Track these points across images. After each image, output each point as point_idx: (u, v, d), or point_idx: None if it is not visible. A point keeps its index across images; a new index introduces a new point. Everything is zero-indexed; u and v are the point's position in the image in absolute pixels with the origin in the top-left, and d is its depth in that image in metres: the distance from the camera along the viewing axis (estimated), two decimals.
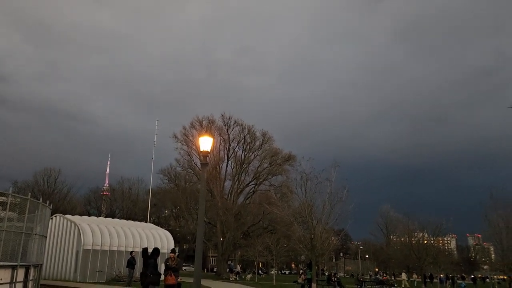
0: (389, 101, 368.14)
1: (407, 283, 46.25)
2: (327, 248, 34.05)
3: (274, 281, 39.53)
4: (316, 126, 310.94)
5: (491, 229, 42.59)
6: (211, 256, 79.27)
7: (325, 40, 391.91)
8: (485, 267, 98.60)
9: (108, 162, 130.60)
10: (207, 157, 12.07)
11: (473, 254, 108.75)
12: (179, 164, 54.16)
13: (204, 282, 26.90)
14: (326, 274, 50.25)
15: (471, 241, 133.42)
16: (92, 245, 25.54)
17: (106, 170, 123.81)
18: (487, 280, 65.43)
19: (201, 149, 11.53)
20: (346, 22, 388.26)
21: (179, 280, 14.27)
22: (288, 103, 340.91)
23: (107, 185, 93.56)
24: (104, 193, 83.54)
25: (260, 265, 73.82)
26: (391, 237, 77.93)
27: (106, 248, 26.33)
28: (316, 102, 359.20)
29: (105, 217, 47.38)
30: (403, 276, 48.37)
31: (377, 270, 79.63)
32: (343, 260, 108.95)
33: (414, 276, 51.98)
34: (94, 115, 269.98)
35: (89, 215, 43.25)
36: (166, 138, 54.83)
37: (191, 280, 12.29)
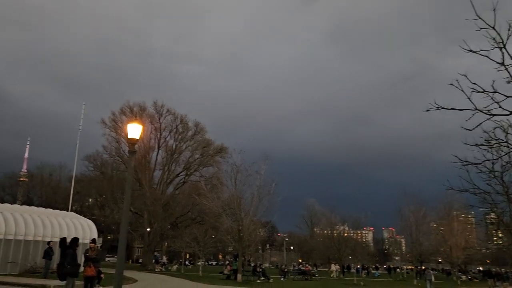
0: (318, 99, 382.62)
1: (335, 274, 48.64)
2: (254, 239, 34.98)
3: (201, 272, 39.61)
4: (248, 119, 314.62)
5: (403, 223, 46.63)
6: (137, 247, 77.30)
7: (261, 36, 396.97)
8: (396, 258, 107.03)
9: (27, 146, 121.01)
10: (136, 145, 11.81)
11: (387, 246, 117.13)
12: (106, 151, 52.10)
13: (128, 273, 26.28)
14: (252, 265, 51.37)
15: (386, 234, 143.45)
16: (4, 234, 23.71)
17: (25, 155, 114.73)
18: (398, 270, 70.84)
19: (129, 136, 11.23)
20: (282, 20, 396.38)
21: (101, 276, 13.86)
22: (222, 95, 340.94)
23: (25, 171, 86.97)
24: (21, 179, 77.68)
25: (187, 256, 73.45)
26: (315, 229, 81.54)
27: (21, 237, 24.61)
28: (249, 96, 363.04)
29: (21, 204, 44.15)
30: (333, 267, 50.74)
31: (300, 261, 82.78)
32: (269, 251, 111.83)
33: (337, 266, 54.90)
34: (12, 95, 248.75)
35: (3, 202, 39.95)
36: (94, 123, 52.31)
37: (114, 271, 12.00)
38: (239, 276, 31.75)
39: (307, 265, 56.62)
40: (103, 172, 54.49)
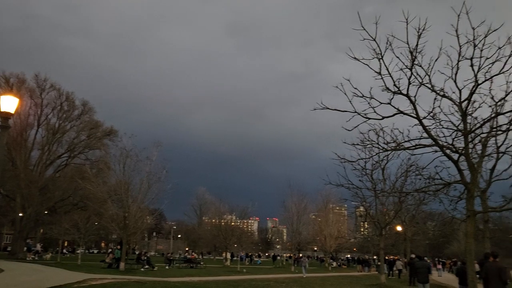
0: (214, 90, 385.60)
1: (229, 262, 49.59)
2: (140, 227, 34.04)
3: (79, 260, 37.27)
4: (142, 103, 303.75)
5: (286, 213, 49.75)
6: (6, 234, 69.62)
7: (162, 19, 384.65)
8: (278, 246, 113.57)
9: None
10: (10, 120, 10.67)
11: (270, 235, 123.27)
12: None
13: None
14: (137, 253, 50.00)
15: (270, 224, 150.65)
16: None
17: None
18: (278, 257, 75.14)
19: (2, 110, 10.10)
20: (184, 7, 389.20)
21: None
22: (114, 75, 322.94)
23: None
24: None
25: (66, 244, 68.47)
26: (204, 218, 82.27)
27: None
28: (144, 79, 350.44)
29: None
30: (227, 255, 51.62)
31: (187, 249, 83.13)
32: (156, 239, 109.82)
33: (224, 254, 56.22)
34: None
35: None
36: None
37: None
38: (121, 265, 30.69)
39: (193, 253, 57.02)
40: None
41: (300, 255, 54.83)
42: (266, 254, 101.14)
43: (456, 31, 10.88)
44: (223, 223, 51.34)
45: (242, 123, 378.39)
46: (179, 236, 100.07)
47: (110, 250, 51.42)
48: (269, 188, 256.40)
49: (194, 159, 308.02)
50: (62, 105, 47.64)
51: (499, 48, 10.92)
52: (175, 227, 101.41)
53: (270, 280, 26.10)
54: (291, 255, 57.79)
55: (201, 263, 44.08)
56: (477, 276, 15.97)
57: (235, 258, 54.76)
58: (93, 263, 36.89)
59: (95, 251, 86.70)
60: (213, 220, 63.08)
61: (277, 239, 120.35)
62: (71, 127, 48.50)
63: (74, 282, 19.12)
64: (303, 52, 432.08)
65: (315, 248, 77.79)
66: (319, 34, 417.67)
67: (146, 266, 34.14)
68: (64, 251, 59.74)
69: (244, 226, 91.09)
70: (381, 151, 14.21)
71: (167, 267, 38.64)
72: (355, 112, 12.35)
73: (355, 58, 11.59)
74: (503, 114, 12.15)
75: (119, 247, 34.26)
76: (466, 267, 13.03)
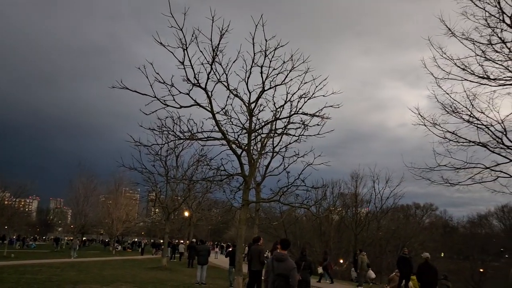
0: None
1: None
2: None
3: None
4: None
5: (72, 194, 45.90)
6: None
7: None
8: (59, 229, 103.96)
9: None
10: None
11: (51, 217, 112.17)
12: None
13: None
14: None
15: (53, 204, 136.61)
16: None
17: None
18: (60, 241, 69.22)
19: None
20: None
21: None
22: None
23: None
24: None
25: None
26: None
27: None
28: None
29: None
30: None
31: None
32: None
33: None
34: None
35: None
36: None
37: None
38: None
39: None
40: None
41: (71, 238, 51.75)
42: (44, 237, 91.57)
43: (253, 39, 12.15)
44: None
45: (31, 89, 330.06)
46: None
47: None
48: (57, 166, 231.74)
49: None
50: None
51: (284, 62, 12.75)
52: None
53: (44, 265, 23.72)
54: (72, 238, 53.74)
55: None
56: (244, 258, 18.26)
57: (5, 242, 47.62)
58: None
59: None
60: None
61: (60, 221, 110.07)
62: None
63: None
64: (109, 25, 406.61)
65: (102, 232, 74.46)
66: (128, 10, 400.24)
67: None
68: None
69: (21, 206, 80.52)
70: (176, 139, 14.66)
71: None
72: (155, 97, 12.39)
73: (161, 43, 11.61)
74: (280, 119, 14.24)
75: None
76: (236, 249, 14.73)
